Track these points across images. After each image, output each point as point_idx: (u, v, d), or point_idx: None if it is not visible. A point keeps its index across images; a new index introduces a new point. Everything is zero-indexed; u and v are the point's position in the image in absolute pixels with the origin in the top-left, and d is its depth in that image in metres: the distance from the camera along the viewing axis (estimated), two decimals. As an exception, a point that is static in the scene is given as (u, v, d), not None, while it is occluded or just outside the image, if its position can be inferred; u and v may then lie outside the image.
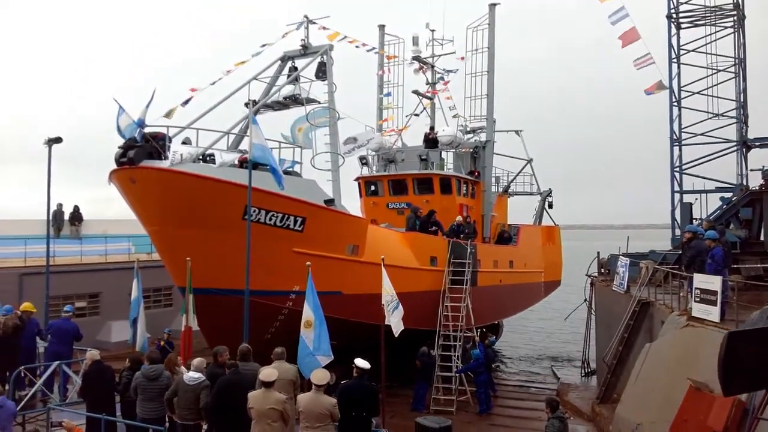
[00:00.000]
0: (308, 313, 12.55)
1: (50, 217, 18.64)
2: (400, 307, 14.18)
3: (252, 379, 10.05)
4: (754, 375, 4.80)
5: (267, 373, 9.55)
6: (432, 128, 29.55)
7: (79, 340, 15.45)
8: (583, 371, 25.14)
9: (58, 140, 16.93)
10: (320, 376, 9.61)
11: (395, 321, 13.97)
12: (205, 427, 10.60)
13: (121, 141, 15.54)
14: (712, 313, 13.58)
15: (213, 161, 16.81)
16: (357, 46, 23.12)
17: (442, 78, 30.46)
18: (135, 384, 10.84)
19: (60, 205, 28.42)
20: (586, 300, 26.32)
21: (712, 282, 13.74)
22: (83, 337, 15.76)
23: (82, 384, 12.05)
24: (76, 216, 29.33)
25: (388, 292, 13.94)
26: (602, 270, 26.24)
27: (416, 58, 29.55)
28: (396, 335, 13.93)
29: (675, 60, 28.02)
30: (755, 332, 4.93)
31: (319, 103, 19.84)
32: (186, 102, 18.73)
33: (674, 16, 28.02)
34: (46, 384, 13.83)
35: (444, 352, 21.46)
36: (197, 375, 10.16)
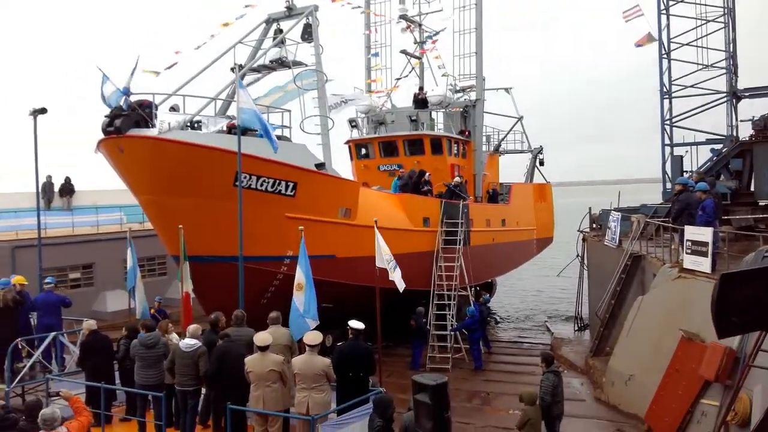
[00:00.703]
0: (300, 276, 12.60)
1: (39, 190, 18.48)
2: (398, 267, 14.25)
3: (246, 344, 10.14)
4: (746, 317, 4.84)
5: (262, 338, 9.64)
6: (421, 88, 29.29)
7: (68, 307, 15.41)
8: (576, 326, 25.48)
9: (43, 111, 16.69)
10: (312, 337, 9.70)
11: (398, 278, 14.06)
12: (204, 392, 10.75)
13: (107, 111, 15.34)
14: (704, 264, 13.71)
15: (201, 128, 16.64)
16: (342, 5, 22.76)
17: (430, 37, 30.05)
18: (133, 352, 10.96)
19: (49, 177, 28.21)
20: (578, 256, 26.52)
21: (704, 233, 13.84)
22: (73, 306, 15.75)
23: (79, 354, 12.12)
24: (68, 188, 29.15)
25: (386, 252, 13.98)
26: (594, 225, 26.40)
27: (403, 17, 29.08)
28: (401, 291, 14.04)
29: (664, 11, 27.74)
30: (749, 273, 4.94)
31: (306, 65, 19.56)
32: (171, 66, 18.41)
33: (663, -34, 27.64)
34: (45, 356, 13.88)
35: (438, 311, 21.67)
36: (193, 342, 10.24)
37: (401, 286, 14.09)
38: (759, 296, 4.69)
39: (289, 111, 18.67)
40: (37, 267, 17.30)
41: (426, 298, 22.21)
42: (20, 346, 14.03)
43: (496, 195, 29.80)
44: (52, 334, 13.96)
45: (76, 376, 12.54)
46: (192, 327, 10.58)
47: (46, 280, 16.00)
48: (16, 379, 13.32)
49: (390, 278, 14.05)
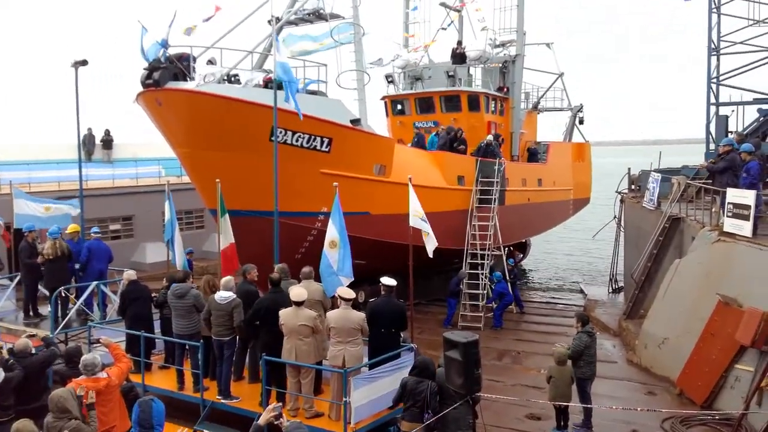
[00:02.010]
0: (333, 233, 12.62)
1: (81, 142, 18.83)
2: (428, 225, 14.17)
3: (286, 297, 10.32)
4: None
5: (297, 292, 9.80)
6: (459, 43, 28.72)
7: (111, 261, 16.03)
8: (610, 288, 25.24)
9: (84, 63, 16.84)
10: (348, 292, 9.83)
11: (430, 243, 13.98)
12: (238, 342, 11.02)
13: (146, 64, 15.43)
14: (745, 228, 13.40)
15: (238, 81, 16.65)
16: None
17: (470, -12, 29.32)
18: (168, 302, 11.30)
19: (90, 130, 28.68)
20: (615, 217, 26.13)
21: (746, 196, 13.48)
22: (114, 256, 16.41)
23: (120, 303, 12.51)
24: (108, 140, 29.64)
25: (418, 212, 13.89)
26: (633, 187, 25.89)
27: (444, -32, 28.43)
28: (430, 255, 14.00)
29: (716, -38, 26.56)
30: None
31: (344, 18, 19.31)
32: (208, 19, 18.34)
33: None
34: (87, 304, 14.39)
35: (472, 270, 21.65)
36: (228, 294, 10.44)
37: (431, 249, 13.99)
38: None
39: (326, 65, 18.49)
40: (79, 218, 17.77)
41: (459, 257, 22.22)
42: (63, 294, 14.58)
43: (536, 153, 29.35)
44: (94, 283, 14.43)
45: (116, 324, 12.96)
46: (225, 279, 10.78)
47: (93, 229, 16.54)
48: (61, 325, 13.85)
49: (423, 240, 13.99)
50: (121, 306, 12.31)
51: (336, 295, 10.22)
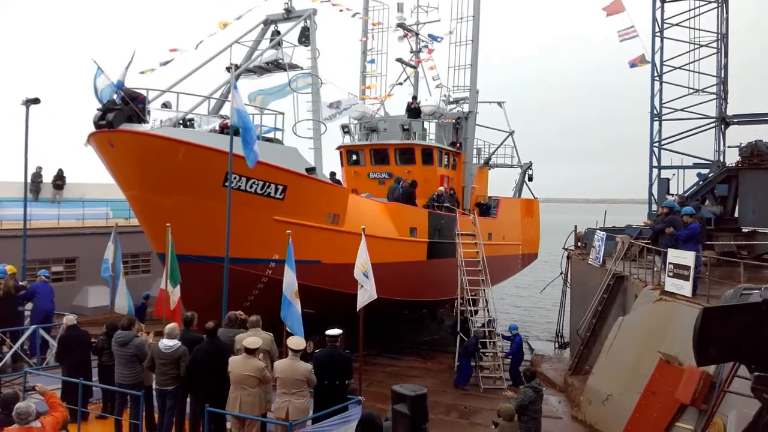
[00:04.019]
0: (293, 281, 12.68)
1: (29, 180, 18.38)
2: (371, 279, 14.13)
3: (231, 345, 10.12)
4: (724, 349, 5.15)
5: (251, 340, 9.64)
6: (414, 98, 29.40)
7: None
8: (556, 343, 25.58)
9: (36, 101, 16.63)
10: (297, 342, 9.72)
11: (362, 297, 13.90)
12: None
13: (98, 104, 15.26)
14: (685, 287, 13.86)
15: (193, 126, 16.61)
16: (341, 10, 22.80)
17: (426, 46, 30.23)
18: (111, 349, 10.95)
19: (39, 168, 27.95)
20: (562, 273, 26.66)
21: (686, 257, 13.99)
22: (54, 299, 15.87)
23: (58, 348, 12.06)
24: (60, 180, 28.87)
25: (363, 266, 13.89)
26: (579, 243, 26.55)
27: (401, 26, 29.25)
28: (358, 309, 13.91)
29: (658, 34, 28.03)
30: (728, 308, 5.24)
31: (302, 68, 19.58)
32: (166, 63, 18.40)
33: (659, -12, 27.94)
34: (29, 347, 13.85)
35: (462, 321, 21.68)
36: (172, 342, 10.19)
37: (361, 303, 13.91)
38: (736, 331, 5.00)
39: (283, 114, 18.69)
40: (19, 257, 17.19)
41: (408, 308, 22.25)
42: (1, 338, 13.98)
43: (487, 208, 29.88)
44: (32, 327, 13.89)
45: (54, 370, 12.45)
46: (169, 326, 10.51)
47: (42, 272, 16.01)
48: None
49: (359, 299, 13.91)
50: (60, 352, 11.86)
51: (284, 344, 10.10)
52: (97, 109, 15.21)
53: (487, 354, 20.82)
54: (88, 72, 15.10)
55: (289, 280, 12.83)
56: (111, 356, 11.14)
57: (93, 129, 15.34)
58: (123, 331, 10.96)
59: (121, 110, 15.01)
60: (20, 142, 17.42)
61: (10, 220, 23.78)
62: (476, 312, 22.59)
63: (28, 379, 12.01)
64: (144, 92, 15.73)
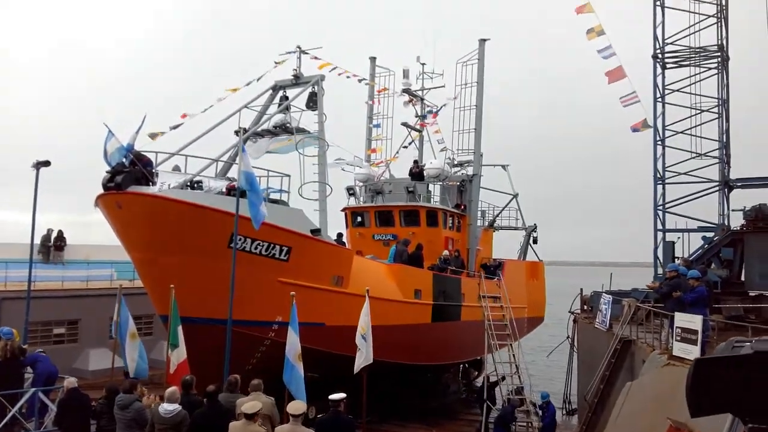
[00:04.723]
0: (296, 344, 12.63)
1: (36, 242, 18.50)
2: (369, 343, 14.08)
3: (231, 410, 9.96)
4: (716, 399, 5.17)
5: (251, 405, 9.49)
6: (416, 162, 29.78)
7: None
8: (564, 409, 25.05)
9: (47, 164, 16.83)
10: (297, 407, 9.56)
11: (359, 361, 13.88)
12: None
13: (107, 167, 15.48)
14: (693, 352, 13.64)
15: (201, 188, 16.81)
16: (348, 77, 23.39)
17: (431, 111, 30.80)
18: (113, 413, 10.78)
19: (50, 231, 28.12)
20: (568, 337, 26.34)
21: (693, 321, 13.84)
22: (54, 362, 15.63)
23: (57, 412, 11.88)
24: (60, 241, 29.01)
25: (363, 329, 13.88)
26: (585, 307, 26.32)
27: (406, 91, 29.91)
28: (355, 371, 13.84)
29: (660, 99, 28.53)
30: (720, 360, 5.28)
31: (309, 132, 19.96)
32: (175, 126, 18.79)
33: (660, 56, 28.61)
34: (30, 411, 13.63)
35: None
36: (173, 407, 10.02)
37: (358, 366, 13.86)
38: (728, 383, 5.04)
39: (289, 176, 18.91)
40: (21, 319, 17.10)
41: (414, 372, 21.91)
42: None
43: (493, 270, 29.76)
44: (31, 390, 13.71)
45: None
46: (169, 390, 10.35)
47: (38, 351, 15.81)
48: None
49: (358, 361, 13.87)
50: (59, 415, 11.69)
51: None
52: (106, 172, 15.44)
53: (521, 424, 20.10)
54: (99, 136, 15.35)
55: (293, 342, 12.75)
56: (110, 420, 10.96)
57: (101, 191, 15.54)
58: (124, 394, 10.82)
59: (130, 173, 15.23)
60: (27, 202, 17.59)
61: (14, 281, 23.77)
62: (503, 379, 22.09)
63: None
64: (153, 155, 16.02)
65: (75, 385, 11.75)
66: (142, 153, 15.62)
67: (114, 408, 10.73)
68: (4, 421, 13.16)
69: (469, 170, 30.06)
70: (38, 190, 16.94)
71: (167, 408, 9.99)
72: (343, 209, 28.28)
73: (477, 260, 29.21)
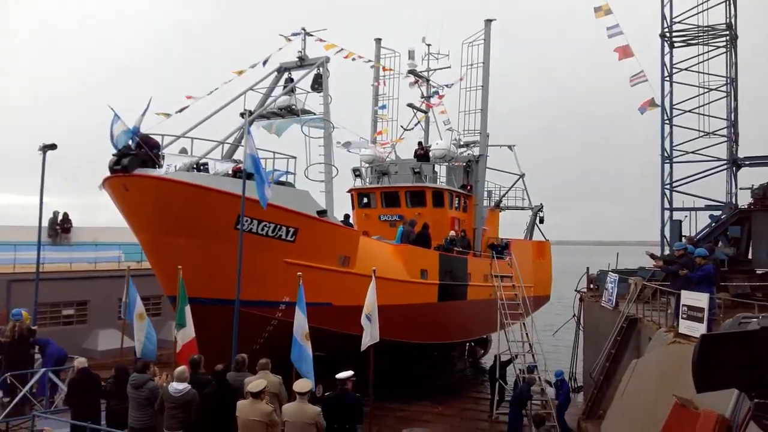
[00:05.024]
0: (303, 324, 12.72)
1: (44, 224, 18.63)
2: (375, 322, 14.17)
3: (240, 388, 10.08)
4: (723, 375, 5.20)
5: (256, 383, 9.59)
6: (420, 144, 29.71)
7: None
8: (571, 386, 25.13)
9: (53, 147, 16.87)
10: (302, 384, 9.66)
11: (365, 339, 13.98)
12: None
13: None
14: (699, 329, 13.65)
15: (207, 170, 16.85)
16: (353, 59, 23.28)
17: (437, 92, 30.67)
18: (126, 393, 10.90)
19: (56, 213, 28.30)
20: (574, 315, 26.40)
21: (700, 299, 13.85)
22: (64, 342, 15.84)
23: (68, 392, 12.04)
24: (66, 223, 29.21)
25: (368, 308, 13.95)
26: (591, 286, 26.33)
27: (412, 72, 29.79)
28: (361, 349, 13.96)
29: (667, 78, 28.30)
30: (726, 336, 5.31)
31: (314, 114, 19.94)
32: (182, 110, 18.82)
33: (667, 35, 28.33)
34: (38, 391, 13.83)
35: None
36: (182, 386, 10.14)
37: (365, 344, 13.98)
38: (735, 358, 5.06)
39: (295, 158, 18.92)
40: (31, 301, 17.27)
41: (418, 351, 22.04)
42: (8, 381, 13.97)
43: (500, 250, 29.78)
44: (42, 370, 13.89)
45: (63, 414, 12.41)
46: (179, 370, 10.48)
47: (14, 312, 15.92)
48: (3, 414, 13.21)
49: (365, 338, 13.97)
50: (69, 395, 11.84)
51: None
52: (113, 154, 15.50)
53: (536, 402, 19.99)
54: (104, 118, 15.37)
55: (300, 322, 12.85)
56: (120, 400, 11.10)
57: (108, 173, 15.61)
58: (138, 374, 10.93)
59: (136, 155, 15.28)
60: (28, 185, 17.70)
61: (23, 263, 23.97)
62: (516, 357, 22.16)
63: (35, 422, 11.98)
64: (159, 138, 16.06)
65: (85, 365, 11.90)
66: (149, 135, 15.66)
67: (127, 387, 10.86)
68: (15, 400, 13.36)
69: (476, 151, 30.00)
70: (26, 171, 16.94)
71: (177, 387, 10.12)
72: (349, 190, 28.32)
73: (483, 240, 29.24)
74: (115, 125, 15.12)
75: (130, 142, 15.26)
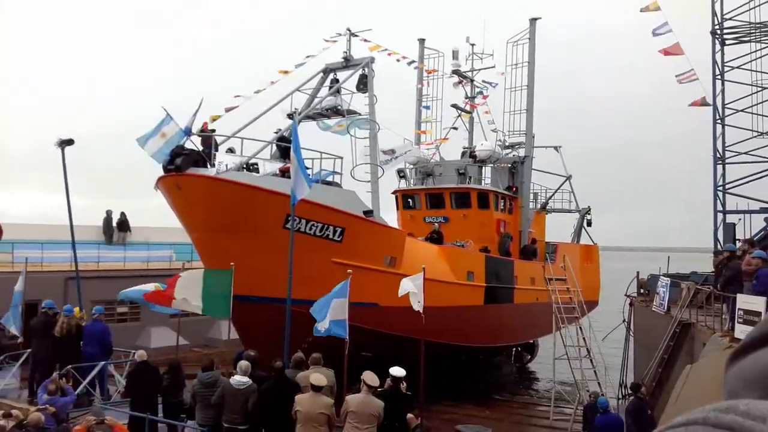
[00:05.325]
0: (344, 310, 12.89)
1: (98, 224, 19.06)
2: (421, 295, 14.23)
3: (296, 385, 10.20)
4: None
5: (317, 377, 9.73)
6: (469, 149, 29.56)
7: (107, 343, 15.63)
8: (620, 393, 24.63)
9: (70, 142, 16.82)
10: (372, 378, 9.76)
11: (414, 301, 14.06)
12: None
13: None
14: (757, 334, 13.28)
15: (257, 170, 17.12)
16: (397, 59, 23.34)
17: (481, 92, 30.52)
18: (193, 391, 11.04)
19: (109, 212, 28.99)
20: (624, 321, 25.86)
21: (756, 302, 13.45)
22: (119, 340, 16.06)
23: (126, 384, 12.34)
24: (124, 223, 29.86)
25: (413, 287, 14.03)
26: (642, 290, 25.78)
27: (456, 72, 29.69)
28: (418, 309, 13.98)
29: (719, 77, 27.56)
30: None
31: (360, 114, 20.06)
32: (230, 109, 19.15)
33: (718, 32, 27.60)
34: (92, 384, 14.17)
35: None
36: (245, 379, 10.29)
37: (416, 305, 14.04)
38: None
39: (341, 158, 19.07)
40: (86, 298, 17.76)
41: (467, 354, 21.91)
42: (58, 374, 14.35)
43: (529, 253, 29.30)
44: (101, 363, 14.26)
45: (121, 406, 12.72)
46: (243, 363, 10.64)
47: (95, 309, 16.42)
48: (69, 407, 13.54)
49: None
50: (128, 387, 12.14)
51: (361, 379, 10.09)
52: (167, 154, 15.82)
53: None
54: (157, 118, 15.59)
55: (340, 307, 12.94)
56: (174, 394, 11.32)
57: (162, 173, 16.01)
58: (207, 372, 11.03)
59: (189, 155, 15.63)
60: (92, 187, 18.16)
61: (82, 261, 24.64)
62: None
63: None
64: (210, 137, 16.40)
65: (145, 358, 12.18)
66: (205, 134, 16.01)
67: (197, 386, 10.97)
68: (78, 389, 13.72)
69: (521, 152, 29.72)
70: (72, 173, 17.18)
71: (240, 380, 10.28)
72: (394, 192, 28.33)
73: (529, 242, 28.92)
74: (167, 126, 15.42)
75: (183, 142, 15.58)
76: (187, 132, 15.58)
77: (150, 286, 15.39)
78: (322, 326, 12.83)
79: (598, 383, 19.71)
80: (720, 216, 27.20)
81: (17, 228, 26.26)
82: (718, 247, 26.66)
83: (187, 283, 14.46)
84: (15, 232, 25.30)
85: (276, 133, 18.86)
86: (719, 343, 14.56)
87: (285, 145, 18.80)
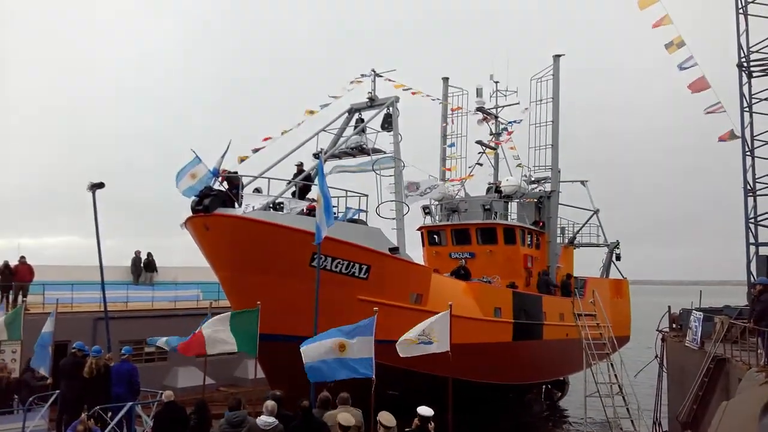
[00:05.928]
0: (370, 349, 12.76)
1: (127, 264, 19.37)
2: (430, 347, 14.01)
3: (324, 423, 10.13)
4: None
5: (345, 417, 9.66)
6: (494, 184, 29.60)
7: (135, 383, 15.62)
8: (654, 431, 23.97)
9: (101, 185, 16.78)
10: (389, 418, 9.65)
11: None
12: None
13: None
14: (795, 370, 12.93)
15: (282, 209, 17.32)
16: (422, 97, 23.61)
17: (505, 128, 30.65)
18: (220, 431, 10.96)
19: (138, 253, 29.47)
20: (657, 356, 25.30)
21: (794, 337, 13.14)
22: (146, 379, 16.02)
23: (153, 425, 12.35)
24: (151, 263, 30.33)
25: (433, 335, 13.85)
26: (674, 325, 25.26)
27: (480, 109, 29.91)
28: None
29: (747, 109, 27.32)
30: None
31: (385, 152, 20.27)
32: (258, 150, 19.52)
33: (745, 65, 27.46)
34: (119, 425, 14.19)
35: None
36: (271, 419, 10.23)
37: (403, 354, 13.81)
38: None
39: (366, 195, 19.21)
40: (114, 338, 17.92)
41: (498, 391, 21.57)
42: (86, 415, 14.39)
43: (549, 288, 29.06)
44: (129, 404, 14.30)
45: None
46: (270, 404, 10.58)
47: (124, 349, 16.50)
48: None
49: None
50: (155, 428, 12.15)
51: (377, 420, 9.99)
52: (195, 195, 16.09)
53: None
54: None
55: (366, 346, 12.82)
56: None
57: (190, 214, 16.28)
58: (235, 411, 10.96)
59: (217, 195, 15.90)
60: (115, 227, 18.47)
61: (111, 302, 24.97)
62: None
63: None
64: (237, 178, 16.68)
65: (172, 398, 12.21)
66: (232, 175, 16.29)
67: (224, 426, 10.90)
68: (105, 431, 13.76)
69: (547, 187, 29.64)
70: (99, 213, 17.08)
71: (266, 420, 10.21)
72: (419, 228, 28.37)
73: (558, 278, 28.62)
74: (196, 167, 15.72)
75: (212, 183, 15.86)
76: (216, 173, 15.88)
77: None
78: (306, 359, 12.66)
79: (632, 421, 19.20)
80: (753, 248, 26.69)
81: (48, 270, 26.83)
82: (752, 279, 26.11)
83: (216, 326, 14.51)
84: (46, 273, 25.85)
85: (297, 165, 19.15)
86: (755, 378, 14.21)
87: (304, 183, 19.08)
